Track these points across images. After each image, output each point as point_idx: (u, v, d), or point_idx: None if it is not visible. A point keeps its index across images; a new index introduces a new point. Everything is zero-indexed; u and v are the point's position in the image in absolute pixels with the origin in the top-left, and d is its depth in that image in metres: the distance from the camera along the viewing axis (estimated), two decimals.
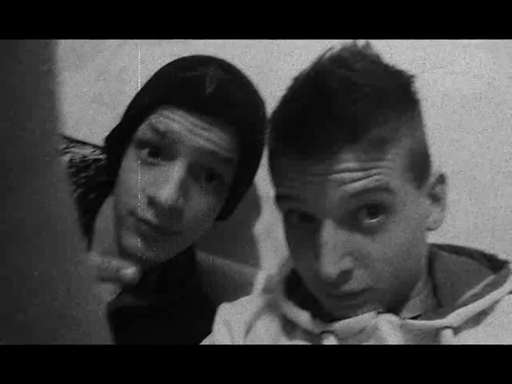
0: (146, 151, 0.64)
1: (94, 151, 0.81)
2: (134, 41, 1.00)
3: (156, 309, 0.70)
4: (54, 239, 0.23)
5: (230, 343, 0.61)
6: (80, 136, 0.85)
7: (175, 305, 0.73)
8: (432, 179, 0.57)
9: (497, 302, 0.53)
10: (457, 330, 0.52)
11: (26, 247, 0.21)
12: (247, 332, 0.62)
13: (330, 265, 0.51)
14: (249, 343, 0.61)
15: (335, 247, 0.51)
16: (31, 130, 0.20)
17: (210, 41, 0.65)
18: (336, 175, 0.50)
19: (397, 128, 0.52)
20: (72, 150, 0.80)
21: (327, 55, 0.56)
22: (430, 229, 0.57)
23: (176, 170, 0.62)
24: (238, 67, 0.70)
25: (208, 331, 0.64)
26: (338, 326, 0.55)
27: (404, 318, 0.53)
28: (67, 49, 1.05)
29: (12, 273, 0.21)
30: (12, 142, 0.20)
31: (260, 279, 0.83)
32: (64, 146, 0.79)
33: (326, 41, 0.52)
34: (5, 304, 0.21)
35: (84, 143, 0.83)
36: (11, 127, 0.19)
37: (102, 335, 0.27)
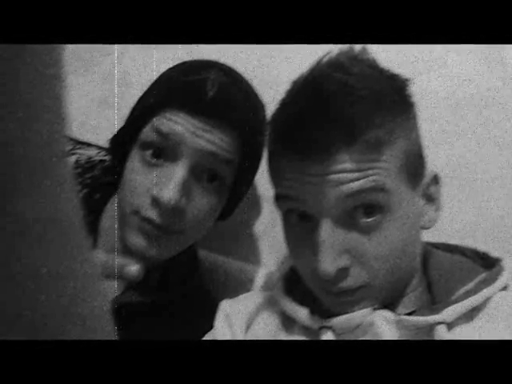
0: (149, 152, 0.64)
1: (99, 152, 0.82)
2: (138, 46, 1.00)
3: (158, 306, 0.71)
4: (61, 238, 0.23)
5: (231, 338, 0.62)
6: (86, 138, 0.86)
7: (177, 304, 0.73)
8: (426, 179, 0.57)
9: (489, 298, 0.54)
10: (450, 326, 0.52)
11: (34, 246, 0.21)
12: (247, 327, 0.63)
13: (328, 262, 0.51)
14: (249, 338, 0.61)
15: (333, 245, 0.52)
16: (38, 132, 0.21)
17: (211, 46, 0.66)
18: (333, 176, 0.51)
19: (392, 130, 0.52)
20: (78, 151, 0.81)
21: (325, 59, 0.56)
22: (424, 228, 0.58)
23: (178, 171, 0.63)
24: (239, 71, 0.71)
25: (209, 330, 0.64)
26: (336, 321, 0.55)
27: (399, 314, 0.54)
28: (73, 53, 1.06)
29: (20, 271, 0.21)
30: (20, 143, 0.20)
31: (260, 276, 0.83)
32: (70, 147, 0.80)
33: (324, 45, 0.52)
34: (13, 301, 0.21)
35: (90, 145, 0.84)
36: (19, 129, 0.19)
37: (106, 331, 0.27)
